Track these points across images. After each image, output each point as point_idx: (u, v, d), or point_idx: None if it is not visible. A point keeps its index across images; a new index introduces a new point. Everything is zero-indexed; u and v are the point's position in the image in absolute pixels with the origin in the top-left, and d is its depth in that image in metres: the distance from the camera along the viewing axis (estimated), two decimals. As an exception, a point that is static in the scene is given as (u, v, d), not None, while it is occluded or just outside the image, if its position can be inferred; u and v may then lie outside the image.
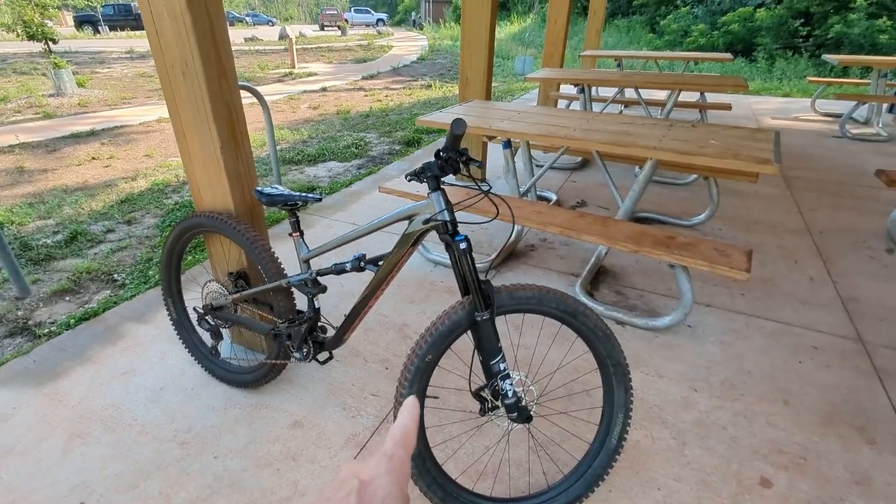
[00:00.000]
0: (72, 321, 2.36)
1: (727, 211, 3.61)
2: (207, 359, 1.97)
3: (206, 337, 2.00)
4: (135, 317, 2.39)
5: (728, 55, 5.61)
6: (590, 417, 1.80)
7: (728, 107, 4.69)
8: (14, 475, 1.57)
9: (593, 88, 5.53)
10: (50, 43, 9.48)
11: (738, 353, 2.13)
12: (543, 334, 2.22)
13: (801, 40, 11.16)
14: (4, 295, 2.65)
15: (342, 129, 6.42)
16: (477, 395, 1.37)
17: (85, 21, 25.91)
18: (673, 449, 1.68)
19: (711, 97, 7.46)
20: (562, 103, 6.05)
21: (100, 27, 25.75)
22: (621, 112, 5.85)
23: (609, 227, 2.21)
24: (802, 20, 11.22)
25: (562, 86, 7.56)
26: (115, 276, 2.85)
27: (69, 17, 28.27)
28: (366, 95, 9.10)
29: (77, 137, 6.02)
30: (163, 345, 2.18)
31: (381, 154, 5.32)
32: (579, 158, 4.53)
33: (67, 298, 2.64)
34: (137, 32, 25.31)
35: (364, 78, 11.49)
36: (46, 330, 2.33)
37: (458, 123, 1.02)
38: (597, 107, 5.65)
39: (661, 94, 7.94)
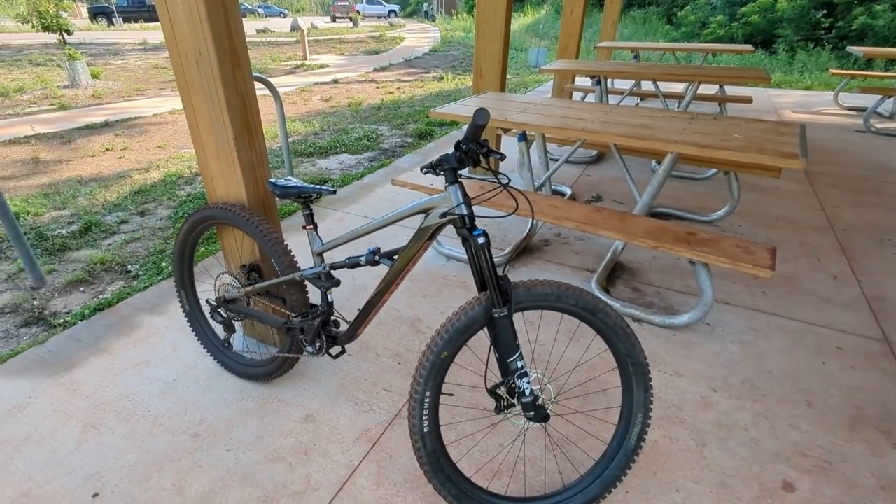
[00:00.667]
0: (86, 312, 2.37)
1: (747, 207, 3.53)
2: (220, 351, 1.97)
3: (219, 329, 2.00)
4: (148, 308, 2.39)
5: (748, 47, 5.47)
6: (606, 417, 1.77)
7: (749, 100, 4.58)
8: (30, 464, 1.58)
9: (609, 80, 5.43)
10: (64, 34, 9.56)
11: (759, 352, 2.08)
12: (560, 331, 2.19)
13: (823, 32, 10.89)
14: (20, 285, 2.67)
15: (354, 122, 6.39)
16: (493, 392, 1.34)
17: (99, 13, 26.09)
18: (692, 450, 1.64)
19: (731, 90, 7.31)
20: (577, 95, 5.97)
21: (114, 19, 25.92)
22: (637, 105, 5.75)
23: (627, 222, 2.16)
24: (825, 11, 10.94)
25: (577, 78, 7.45)
26: (129, 267, 2.86)
27: (83, 9, 28.50)
28: (377, 87, 9.06)
29: (91, 129, 6.06)
30: (176, 336, 2.18)
31: (393, 147, 5.29)
32: (594, 152, 4.46)
33: (82, 289, 2.65)
34: (151, 24, 25.46)
35: (376, 70, 11.44)
36: (61, 320, 2.34)
37: (482, 113, 0.98)
38: (612, 99, 5.56)
39: (678, 87, 7.80)
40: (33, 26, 9.47)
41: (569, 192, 3.69)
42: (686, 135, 2.12)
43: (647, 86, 6.68)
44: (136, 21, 26.24)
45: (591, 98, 6.13)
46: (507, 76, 9.95)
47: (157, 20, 26.01)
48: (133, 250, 3.07)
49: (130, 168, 4.63)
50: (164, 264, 2.84)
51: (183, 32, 1.47)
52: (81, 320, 2.31)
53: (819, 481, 1.53)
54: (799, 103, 7.08)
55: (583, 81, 7.49)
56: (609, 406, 1.81)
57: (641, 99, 6.47)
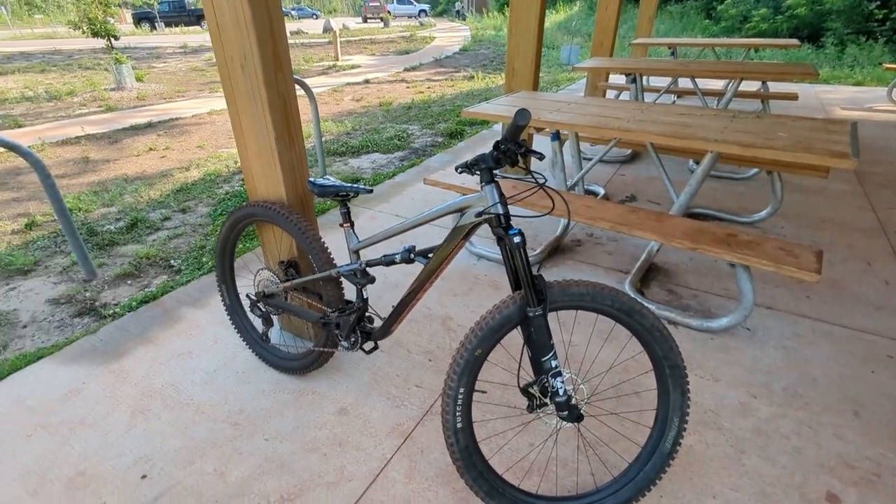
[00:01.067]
0: (133, 304, 2.49)
1: (791, 208, 3.39)
2: (258, 344, 2.04)
3: (258, 323, 2.07)
4: (190, 301, 2.49)
5: (794, 41, 5.25)
6: (640, 419, 1.74)
7: (794, 96, 4.40)
8: (84, 445, 1.67)
9: (644, 78, 5.31)
10: (112, 39, 10.02)
11: (803, 358, 2.00)
12: (594, 333, 2.16)
13: (876, 24, 10.32)
14: (74, 277, 2.83)
15: (385, 121, 6.47)
16: (525, 391, 1.35)
17: (143, 18, 27.23)
18: (729, 456, 1.60)
19: (775, 87, 7.03)
20: (611, 94, 5.86)
21: (156, 23, 26.99)
22: (674, 102, 5.61)
23: (664, 222, 2.12)
24: (879, 2, 10.37)
25: (610, 75, 7.31)
26: (172, 261, 2.98)
27: (128, 15, 29.78)
28: (408, 87, 9.12)
29: (136, 129, 6.33)
30: (216, 329, 2.26)
31: (423, 146, 5.33)
32: (629, 151, 4.38)
33: (129, 282, 2.78)
34: (190, 28, 26.38)
35: (406, 69, 11.52)
36: (111, 311, 2.47)
37: (523, 114, 0.98)
38: (648, 97, 5.43)
39: (717, 84, 7.56)
40: (83, 32, 9.97)
41: (602, 191, 3.63)
42: (727, 133, 2.06)
43: (684, 83, 6.50)
44: (176, 25, 27.25)
45: (625, 96, 6.02)
46: (539, 74, 9.85)
47: (196, 24, 26.93)
48: (176, 246, 3.20)
49: (172, 167, 4.82)
50: (204, 259, 2.95)
51: (230, 37, 1.53)
52: (129, 312, 2.43)
53: (866, 494, 1.47)
54: (849, 100, 6.75)
55: (617, 79, 7.36)
56: (643, 409, 1.79)
57: (678, 97, 6.31)
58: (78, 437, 1.71)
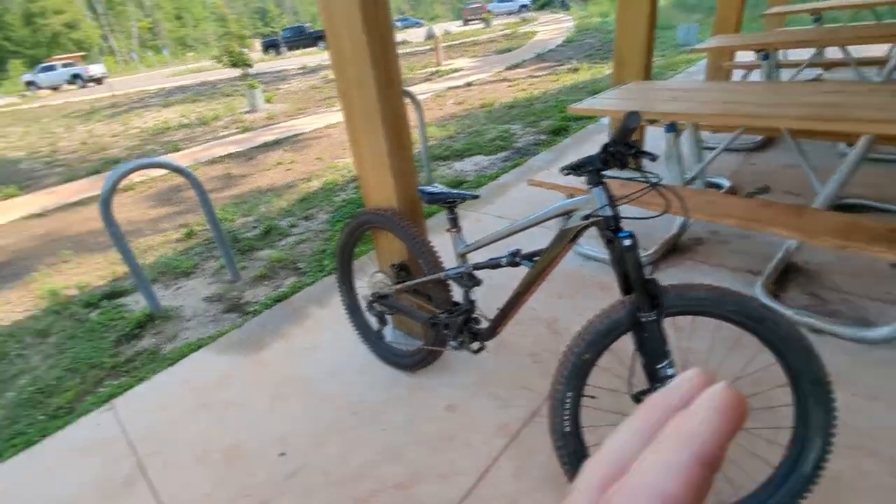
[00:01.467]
0: (269, 302, 2.83)
1: (979, 193, 2.79)
2: (373, 341, 2.19)
3: (373, 322, 2.23)
4: (315, 300, 2.76)
5: (984, -13, 4.27)
6: (775, 437, 1.56)
7: (983, 56, 3.58)
8: (236, 423, 1.95)
9: (780, 52, 4.68)
10: (246, 68, 11.42)
11: None
12: (717, 339, 1.99)
13: None
14: (222, 279, 3.29)
15: (487, 123, 6.52)
16: (637, 399, 1.30)
17: (270, 45, 30.56)
18: (889, 488, 1.37)
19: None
20: (737, 74, 5.27)
21: (280, 48, 30.10)
22: (820, 77, 4.86)
23: (805, 217, 1.87)
24: None
25: (737, 54, 6.57)
26: (299, 264, 3.33)
27: (257, 43, 33.63)
28: (510, 86, 9.09)
29: (266, 146, 7.14)
30: (337, 326, 2.48)
31: (526, 145, 5.28)
32: (759, 137, 3.91)
33: (265, 283, 3.16)
34: (309, 49, 28.98)
35: (508, 68, 11.48)
36: (252, 308, 2.83)
37: (633, 116, 0.95)
38: (784, 74, 4.80)
39: (878, 51, 6.41)
40: (224, 64, 11.49)
41: (727, 184, 3.30)
42: (890, 111, 1.76)
43: (832, 53, 5.62)
44: (297, 48, 30.13)
45: (755, 76, 5.38)
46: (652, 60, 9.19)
47: (313, 45, 29.52)
48: (301, 250, 3.56)
49: (296, 179, 5.36)
50: (325, 262, 3.25)
51: (347, 62, 1.68)
52: (266, 309, 2.76)
53: None
54: None
55: (745, 57, 6.59)
56: (779, 426, 1.60)
57: (826, 69, 5.47)
58: (230, 416, 2.00)
